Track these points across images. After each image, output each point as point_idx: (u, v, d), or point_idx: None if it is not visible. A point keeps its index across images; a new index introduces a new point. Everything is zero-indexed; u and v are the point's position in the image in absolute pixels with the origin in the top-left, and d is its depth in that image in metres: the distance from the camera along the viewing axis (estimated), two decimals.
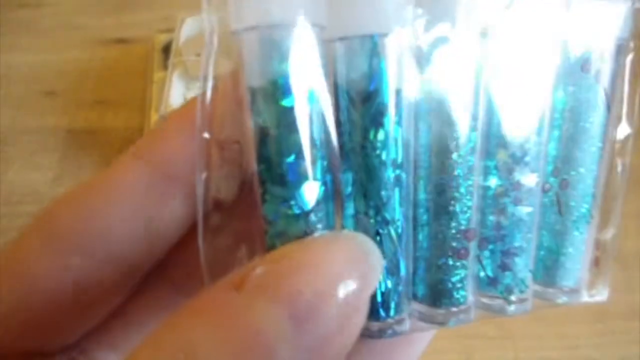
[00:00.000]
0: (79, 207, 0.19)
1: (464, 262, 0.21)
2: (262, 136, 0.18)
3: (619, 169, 0.24)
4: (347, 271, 0.16)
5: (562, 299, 0.23)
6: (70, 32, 0.36)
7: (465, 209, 0.21)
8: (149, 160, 0.19)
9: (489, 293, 0.22)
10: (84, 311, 0.20)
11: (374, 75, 0.18)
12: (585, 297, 0.24)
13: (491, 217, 0.22)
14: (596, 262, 0.24)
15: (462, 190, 0.20)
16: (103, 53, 0.39)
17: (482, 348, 0.48)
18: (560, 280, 0.23)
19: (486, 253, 0.22)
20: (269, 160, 0.18)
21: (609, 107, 0.22)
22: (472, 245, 0.21)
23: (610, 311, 0.51)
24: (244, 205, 0.19)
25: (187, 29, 0.52)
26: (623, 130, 0.24)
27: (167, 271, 0.22)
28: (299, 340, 0.14)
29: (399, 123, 0.19)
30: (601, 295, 0.24)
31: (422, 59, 0.19)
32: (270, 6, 0.17)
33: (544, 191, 0.22)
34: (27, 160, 0.44)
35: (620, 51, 0.23)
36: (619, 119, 0.24)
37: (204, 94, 0.18)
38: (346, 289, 0.15)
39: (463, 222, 0.21)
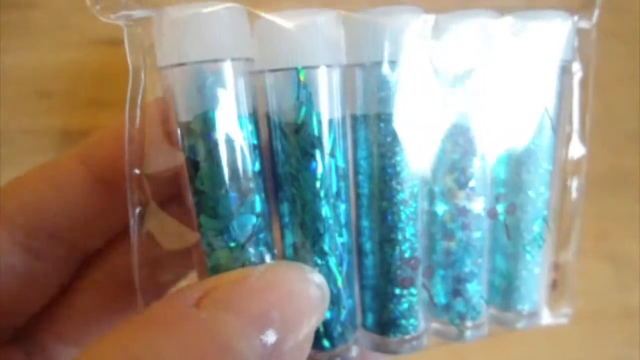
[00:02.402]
0: (27, 192, 0.20)
1: (411, 290, 0.21)
2: (193, 170, 0.18)
3: (575, 189, 0.24)
4: (311, 302, 0.17)
5: (521, 324, 0.23)
6: (66, 32, 0.36)
7: (408, 236, 0.20)
8: (91, 167, 0.20)
9: (442, 320, 0.22)
10: (28, 289, 0.21)
11: (301, 107, 0.18)
12: (545, 320, 0.23)
13: (441, 243, 0.21)
14: (554, 285, 0.24)
15: (404, 217, 0.20)
16: (99, 54, 0.39)
17: (474, 349, 0.49)
18: (516, 304, 0.22)
19: (437, 279, 0.22)
20: (200, 193, 0.18)
21: (554, 129, 0.22)
22: (418, 273, 0.21)
23: (603, 311, 0.52)
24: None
25: None
26: (576, 150, 0.24)
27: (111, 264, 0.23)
28: (262, 353, 0.15)
29: (332, 153, 0.19)
30: (564, 317, 0.24)
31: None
32: (197, 43, 0.17)
33: (493, 215, 0.22)
34: (22, 161, 0.44)
35: (564, 72, 0.22)
36: (569, 139, 0.23)
37: (131, 130, 0.19)
38: (309, 319, 0.17)
39: (406, 250, 0.20)
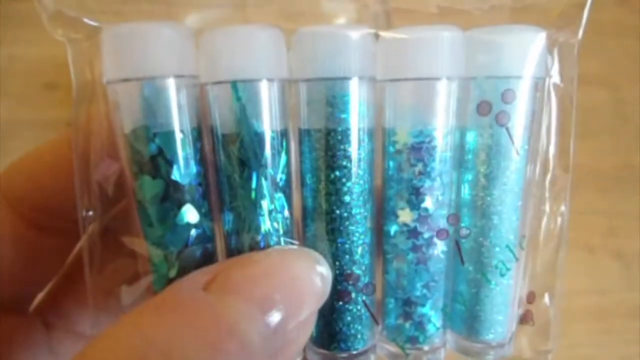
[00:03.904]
0: (26, 174, 0.22)
1: (349, 306, 0.20)
2: (135, 180, 0.19)
3: (557, 216, 0.22)
4: (313, 287, 0.18)
5: (490, 355, 0.22)
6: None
7: (348, 251, 0.20)
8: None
9: (393, 342, 0.21)
10: (35, 259, 0.22)
11: (237, 119, 0.18)
12: (524, 354, 0.22)
13: (392, 263, 0.21)
14: (526, 317, 0.22)
15: (345, 233, 0.20)
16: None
17: None
18: (479, 333, 0.21)
19: (390, 300, 0.21)
20: (141, 203, 0.19)
21: (518, 151, 0.20)
22: (358, 289, 0.20)
23: (610, 310, 0.51)
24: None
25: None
26: (557, 173, 0.22)
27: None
28: (266, 335, 0.16)
29: (267, 165, 0.19)
30: (544, 354, 0.23)
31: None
32: (140, 60, 0.18)
33: (443, 237, 0.21)
34: None
35: (537, 90, 0.20)
36: (547, 162, 0.22)
37: (77, 138, 0.19)
38: (306, 298, 0.18)
39: (345, 264, 0.20)
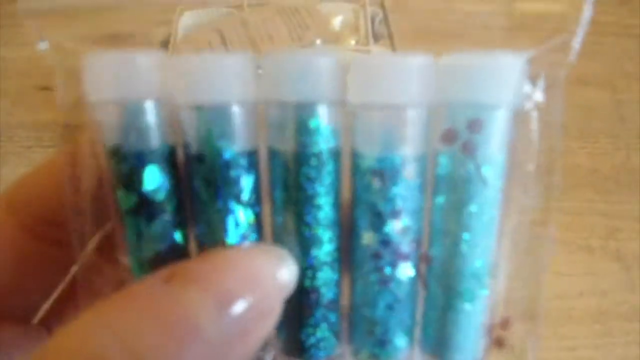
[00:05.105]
0: (30, 185, 0.23)
1: (311, 320, 0.21)
2: (113, 194, 0.20)
3: (539, 244, 0.22)
4: (270, 276, 0.19)
5: None
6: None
7: (315, 268, 0.20)
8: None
9: (356, 358, 0.22)
10: (37, 269, 0.23)
11: (201, 140, 0.19)
12: None
13: (359, 282, 0.21)
14: (498, 343, 0.22)
15: (310, 253, 0.20)
16: (100, 48, 0.39)
17: None
18: (449, 356, 0.21)
19: (355, 318, 0.21)
20: (119, 215, 0.20)
21: (485, 181, 0.20)
22: (320, 305, 0.21)
23: (610, 312, 0.51)
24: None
25: (185, 22, 0.52)
26: (539, 199, 0.21)
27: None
28: (222, 325, 0.17)
29: (240, 184, 0.20)
30: None
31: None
32: (122, 83, 0.19)
33: (407, 262, 0.21)
34: (22, 155, 0.44)
35: (515, 119, 0.20)
36: (525, 188, 0.21)
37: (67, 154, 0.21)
38: (266, 291, 0.18)
39: (312, 281, 0.20)
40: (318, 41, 0.45)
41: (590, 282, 0.51)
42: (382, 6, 0.45)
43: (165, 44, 0.52)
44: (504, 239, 0.22)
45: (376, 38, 0.46)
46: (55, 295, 0.24)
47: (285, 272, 0.19)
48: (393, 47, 0.45)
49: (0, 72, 0.41)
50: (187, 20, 0.48)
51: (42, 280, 0.24)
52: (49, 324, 0.24)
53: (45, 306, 0.24)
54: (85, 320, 0.16)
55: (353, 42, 0.46)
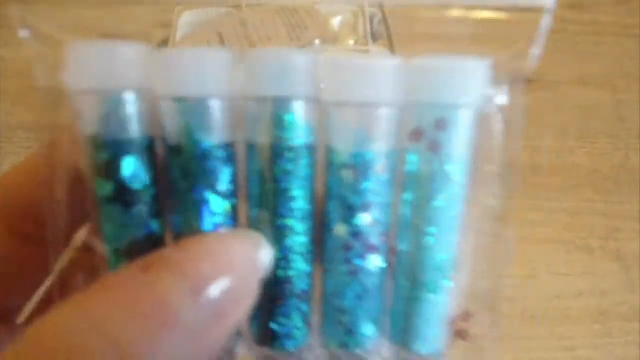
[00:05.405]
0: (11, 184, 0.23)
1: (287, 310, 0.22)
2: (91, 182, 0.21)
3: (502, 241, 0.22)
4: (245, 260, 0.19)
5: None
6: (66, 26, 0.36)
7: (288, 259, 0.21)
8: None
9: (326, 347, 0.23)
10: (22, 270, 0.23)
11: (179, 132, 0.20)
12: None
13: (330, 271, 0.22)
14: (461, 335, 0.23)
15: (284, 243, 0.21)
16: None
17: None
18: (414, 346, 0.22)
19: (325, 308, 0.22)
20: (96, 203, 0.21)
21: (458, 178, 0.21)
22: (292, 293, 0.21)
23: (609, 312, 0.51)
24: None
25: (185, 22, 0.52)
26: (500, 197, 0.22)
27: None
28: (198, 309, 0.17)
29: (217, 176, 0.21)
30: None
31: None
32: (104, 74, 0.20)
33: (376, 254, 0.22)
34: (22, 156, 0.44)
35: (480, 120, 0.21)
36: (487, 186, 0.22)
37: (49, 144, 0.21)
38: (242, 274, 0.19)
39: (284, 270, 0.21)
40: (317, 41, 0.45)
41: (589, 282, 0.51)
42: (381, 7, 0.45)
43: (164, 44, 0.52)
44: (467, 235, 0.22)
45: (375, 38, 0.46)
46: (39, 294, 0.24)
47: (260, 255, 0.20)
48: (392, 47, 0.45)
49: (0, 72, 0.41)
50: (186, 20, 0.48)
51: (26, 279, 0.24)
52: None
53: (30, 305, 0.24)
54: (64, 312, 0.17)
55: (352, 42, 0.46)
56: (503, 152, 0.22)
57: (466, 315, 0.23)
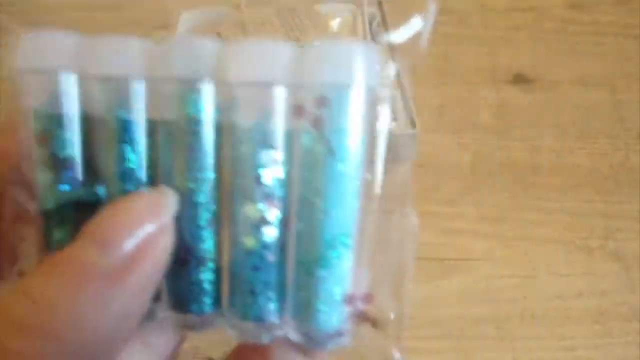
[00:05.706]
0: None
1: (194, 277, 0.24)
2: (29, 150, 0.24)
3: (402, 220, 0.24)
4: (146, 212, 0.21)
5: (328, 344, 0.24)
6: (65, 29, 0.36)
7: (195, 233, 0.23)
8: None
9: (232, 317, 0.24)
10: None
11: (104, 108, 0.24)
12: (345, 343, 0.24)
13: (232, 243, 0.24)
14: (361, 317, 0.24)
15: (191, 214, 0.23)
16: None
17: (480, 348, 0.48)
18: (312, 322, 0.23)
19: (230, 281, 0.24)
20: (32, 171, 0.24)
21: (346, 155, 0.22)
22: (191, 260, 0.24)
23: (609, 312, 0.51)
24: None
25: (183, 22, 0.52)
26: (395, 181, 0.23)
27: None
28: (107, 258, 0.20)
29: (131, 147, 0.24)
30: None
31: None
32: (45, 55, 0.23)
33: (282, 228, 0.23)
34: None
35: (369, 98, 0.22)
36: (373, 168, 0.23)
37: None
38: (143, 226, 0.21)
39: (190, 241, 0.23)
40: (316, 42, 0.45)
41: (589, 282, 0.51)
42: (380, 8, 0.45)
43: None
44: (367, 220, 0.24)
45: (374, 39, 0.46)
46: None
47: (166, 201, 0.22)
48: (392, 47, 0.45)
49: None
50: (185, 20, 0.48)
51: None
52: None
53: None
54: (13, 294, 0.19)
55: None
56: (388, 134, 0.23)
57: (368, 297, 0.24)
